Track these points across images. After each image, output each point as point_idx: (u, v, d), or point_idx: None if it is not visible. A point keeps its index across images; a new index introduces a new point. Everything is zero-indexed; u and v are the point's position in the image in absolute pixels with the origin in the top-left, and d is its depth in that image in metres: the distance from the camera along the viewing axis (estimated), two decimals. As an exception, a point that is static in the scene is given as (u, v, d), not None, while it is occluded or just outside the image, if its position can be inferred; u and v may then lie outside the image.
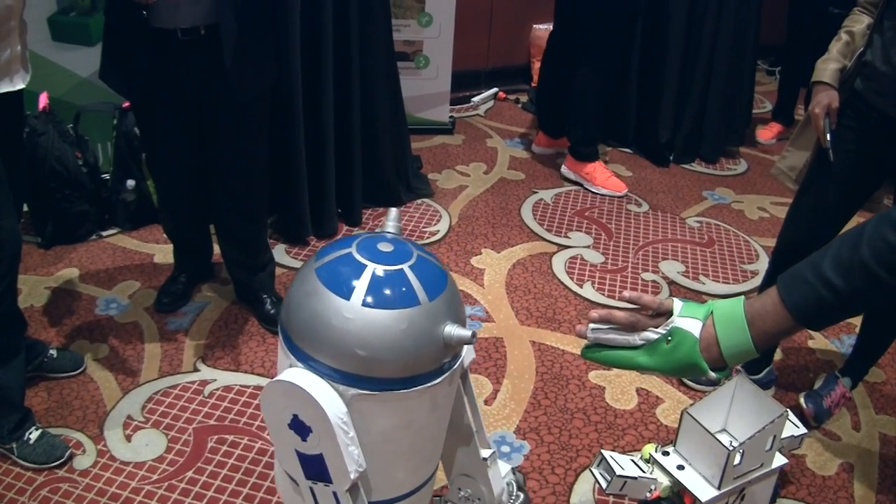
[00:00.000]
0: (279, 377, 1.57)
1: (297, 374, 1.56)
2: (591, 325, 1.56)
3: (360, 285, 1.54)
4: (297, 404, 1.56)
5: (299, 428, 1.59)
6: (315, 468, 1.62)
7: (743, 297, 1.46)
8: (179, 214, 3.31)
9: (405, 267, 1.58)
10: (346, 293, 1.53)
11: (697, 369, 1.45)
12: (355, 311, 1.52)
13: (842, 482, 2.80)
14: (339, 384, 1.57)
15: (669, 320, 1.48)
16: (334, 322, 1.53)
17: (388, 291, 1.55)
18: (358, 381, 1.56)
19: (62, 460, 2.63)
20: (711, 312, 1.46)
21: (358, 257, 1.59)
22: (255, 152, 3.11)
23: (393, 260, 1.59)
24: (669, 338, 1.47)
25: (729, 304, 1.46)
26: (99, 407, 2.87)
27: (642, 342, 1.52)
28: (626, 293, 1.56)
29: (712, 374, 1.44)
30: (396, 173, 4.28)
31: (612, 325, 1.55)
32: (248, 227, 3.24)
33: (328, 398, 1.55)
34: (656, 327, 1.51)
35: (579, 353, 1.66)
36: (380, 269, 1.56)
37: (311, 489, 1.66)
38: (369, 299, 1.52)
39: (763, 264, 4.04)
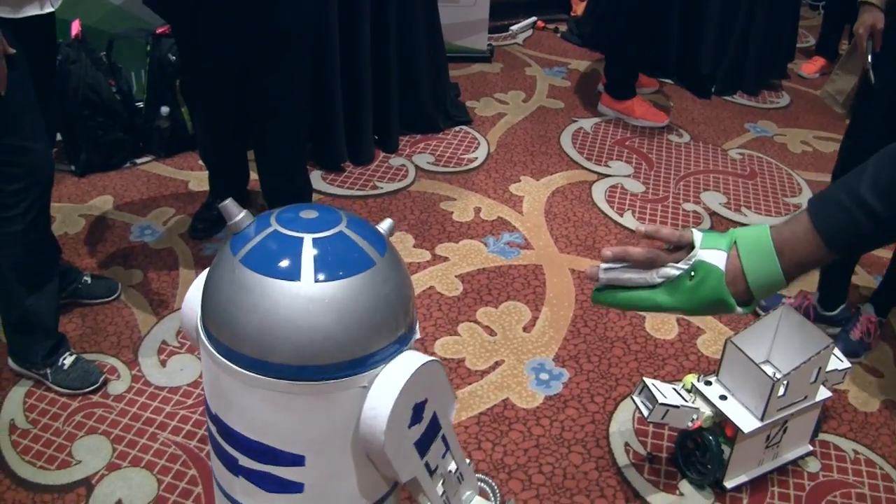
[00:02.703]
0: (412, 368, 1.39)
1: (417, 357, 1.42)
2: (604, 266, 1.36)
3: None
4: (427, 387, 1.44)
5: (418, 414, 1.45)
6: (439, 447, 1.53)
7: (768, 224, 1.29)
8: (218, 137, 3.28)
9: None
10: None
11: (724, 306, 1.29)
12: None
13: (884, 419, 2.74)
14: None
15: (691, 254, 1.30)
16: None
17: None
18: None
19: (97, 385, 2.61)
20: (735, 242, 1.29)
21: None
22: (299, 75, 3.07)
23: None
24: (693, 273, 1.29)
25: (754, 233, 1.29)
26: (133, 333, 2.85)
27: (661, 280, 1.32)
28: (643, 227, 1.37)
29: (739, 310, 1.28)
30: (434, 101, 4.22)
31: (626, 264, 1.35)
32: (289, 151, 3.19)
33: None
34: (676, 262, 1.32)
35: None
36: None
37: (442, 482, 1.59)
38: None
39: (806, 198, 3.93)
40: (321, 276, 1.33)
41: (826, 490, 2.48)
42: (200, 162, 3.77)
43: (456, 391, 2.69)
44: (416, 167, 3.91)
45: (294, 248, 1.35)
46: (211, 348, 1.40)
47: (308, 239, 1.36)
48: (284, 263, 1.33)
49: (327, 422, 1.42)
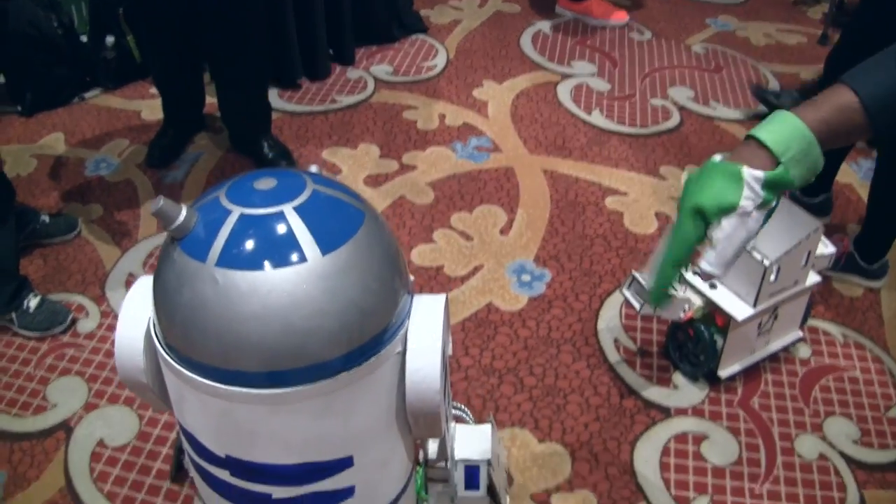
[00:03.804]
0: (438, 314, 1.30)
1: (430, 301, 1.34)
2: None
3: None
4: (445, 327, 1.34)
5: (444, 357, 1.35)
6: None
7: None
8: (169, 61, 3.14)
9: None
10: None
11: (734, 177, 1.16)
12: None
13: (869, 303, 2.71)
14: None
15: None
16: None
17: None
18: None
19: (65, 325, 2.53)
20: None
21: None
22: None
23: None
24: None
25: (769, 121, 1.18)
26: (98, 268, 2.76)
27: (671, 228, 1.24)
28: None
29: (758, 173, 1.15)
30: (388, 10, 4.10)
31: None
32: (247, 66, 3.07)
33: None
34: None
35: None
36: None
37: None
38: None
39: (773, 87, 3.89)
40: (327, 247, 1.17)
41: (818, 375, 2.46)
42: (152, 90, 3.65)
43: (438, 298, 2.63)
44: (375, 79, 3.81)
45: (279, 225, 1.17)
46: (214, 384, 1.19)
47: (289, 209, 1.18)
48: (280, 248, 1.16)
49: (373, 404, 1.29)
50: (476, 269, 2.76)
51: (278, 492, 1.32)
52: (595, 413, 2.29)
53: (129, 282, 2.69)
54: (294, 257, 1.15)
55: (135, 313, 1.33)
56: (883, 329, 2.62)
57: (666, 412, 2.30)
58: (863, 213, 2.82)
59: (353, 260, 1.19)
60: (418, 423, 1.36)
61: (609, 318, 2.59)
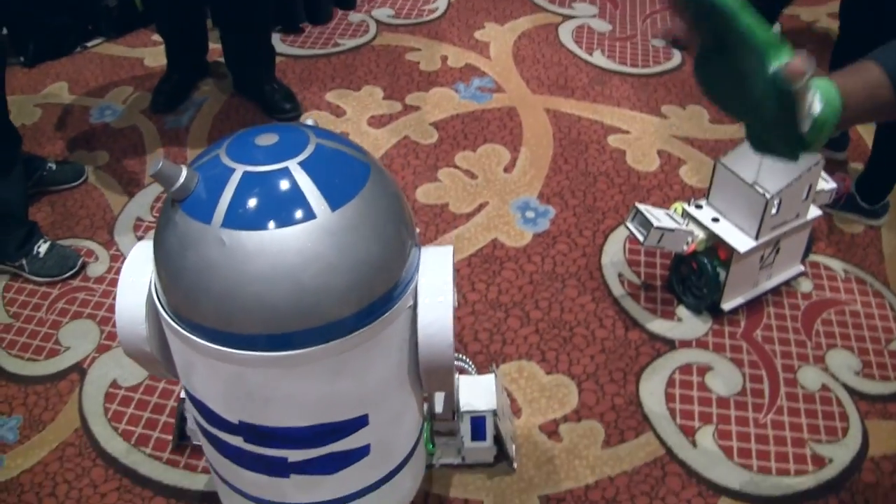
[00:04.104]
0: (447, 266, 1.29)
1: (438, 252, 1.31)
2: None
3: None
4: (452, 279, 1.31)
5: None
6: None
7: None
8: (173, 7, 3.13)
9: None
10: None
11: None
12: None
13: (870, 239, 2.74)
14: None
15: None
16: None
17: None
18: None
19: (75, 269, 2.55)
20: None
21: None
22: None
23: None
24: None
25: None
26: (106, 213, 2.78)
27: None
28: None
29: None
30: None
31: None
32: (250, 9, 3.06)
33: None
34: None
35: None
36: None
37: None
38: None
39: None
40: (336, 203, 1.14)
41: (820, 308, 2.48)
42: (155, 37, 3.65)
43: (444, 235, 2.67)
44: (377, 21, 3.79)
45: (284, 182, 1.14)
46: (223, 348, 1.18)
47: (294, 165, 1.15)
48: (287, 206, 1.13)
49: (386, 361, 1.29)
50: (481, 207, 2.77)
51: (294, 455, 1.31)
52: (601, 345, 2.32)
53: (136, 226, 2.71)
54: (302, 214, 1.12)
55: (134, 280, 1.30)
56: (883, 265, 2.65)
57: (670, 344, 2.33)
58: (866, 153, 2.83)
59: (362, 214, 1.16)
60: (430, 377, 1.35)
61: (613, 253, 2.61)
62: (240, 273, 1.11)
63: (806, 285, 2.55)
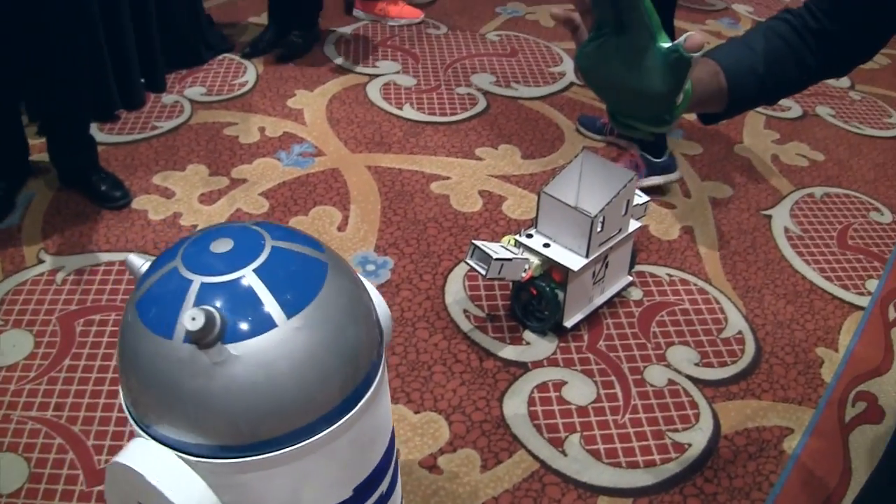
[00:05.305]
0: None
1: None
2: None
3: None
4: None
5: None
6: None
7: None
8: None
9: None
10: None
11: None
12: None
13: (686, 243, 2.96)
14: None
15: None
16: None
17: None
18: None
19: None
20: None
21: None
22: (60, 22, 2.85)
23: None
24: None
25: None
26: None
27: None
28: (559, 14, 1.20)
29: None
30: (193, 33, 4.08)
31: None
32: (68, 99, 3.02)
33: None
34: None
35: None
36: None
37: None
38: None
39: (567, 65, 4.17)
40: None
41: (653, 312, 2.66)
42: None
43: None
44: (191, 101, 3.80)
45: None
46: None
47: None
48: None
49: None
50: (323, 266, 2.80)
51: None
52: (460, 378, 2.40)
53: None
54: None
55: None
56: (702, 264, 2.85)
57: (524, 367, 2.44)
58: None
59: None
60: None
61: (455, 292, 2.71)
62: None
63: (636, 293, 2.72)
